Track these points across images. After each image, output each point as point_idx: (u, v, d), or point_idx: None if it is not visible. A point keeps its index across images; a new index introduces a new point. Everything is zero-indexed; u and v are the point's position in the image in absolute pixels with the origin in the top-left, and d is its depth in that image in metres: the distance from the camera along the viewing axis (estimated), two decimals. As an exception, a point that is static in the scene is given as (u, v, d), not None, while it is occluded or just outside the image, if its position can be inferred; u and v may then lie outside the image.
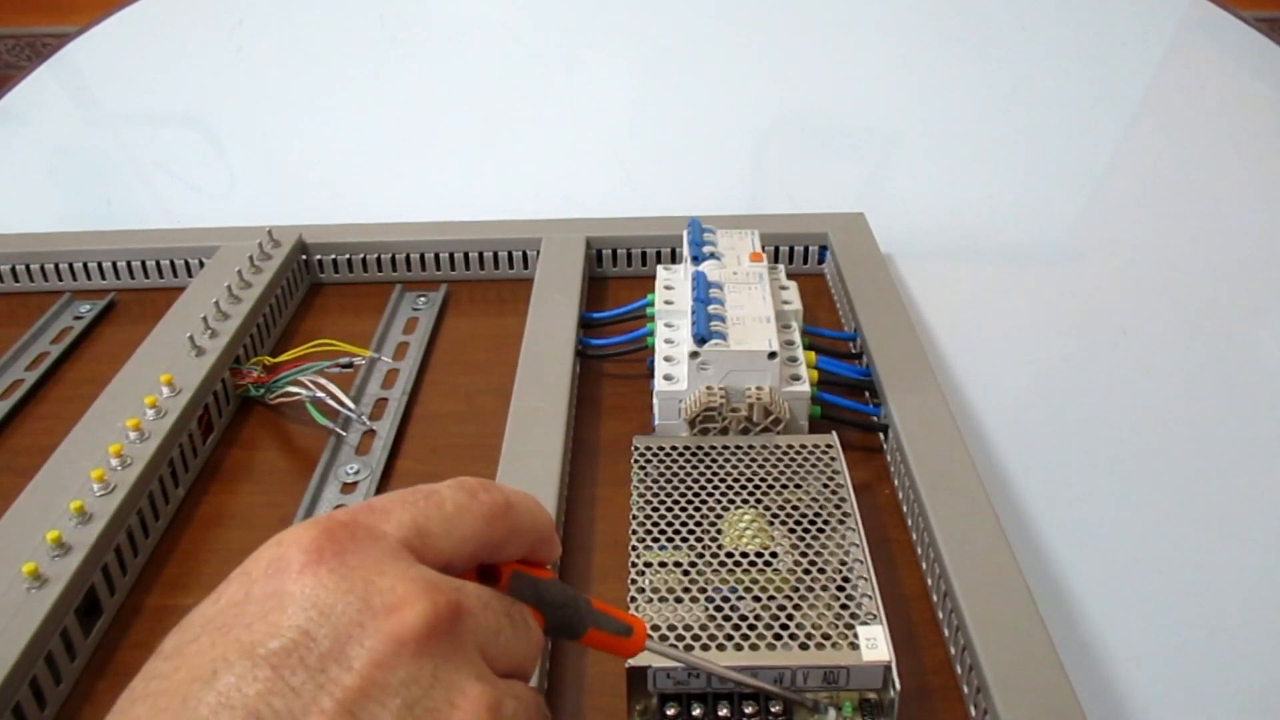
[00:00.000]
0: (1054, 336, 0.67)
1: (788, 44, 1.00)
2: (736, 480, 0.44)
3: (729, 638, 0.36)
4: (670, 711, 0.35)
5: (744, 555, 0.39)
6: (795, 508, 0.42)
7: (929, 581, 0.44)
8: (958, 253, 0.77)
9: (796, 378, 0.49)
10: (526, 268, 0.68)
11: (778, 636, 0.36)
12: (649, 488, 0.43)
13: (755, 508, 0.42)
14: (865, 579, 0.38)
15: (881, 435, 0.52)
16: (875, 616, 0.36)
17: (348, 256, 0.68)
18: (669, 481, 0.44)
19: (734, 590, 0.38)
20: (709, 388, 0.48)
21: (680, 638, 0.36)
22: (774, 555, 0.39)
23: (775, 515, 0.42)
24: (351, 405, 0.54)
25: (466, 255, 0.68)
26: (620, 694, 0.35)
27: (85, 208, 0.88)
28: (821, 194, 0.81)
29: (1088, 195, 0.84)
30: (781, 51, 0.99)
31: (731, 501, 0.42)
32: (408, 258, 0.68)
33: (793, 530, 0.41)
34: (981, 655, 0.37)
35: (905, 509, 0.48)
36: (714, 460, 0.45)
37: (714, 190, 0.85)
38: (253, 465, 0.53)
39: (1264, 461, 0.56)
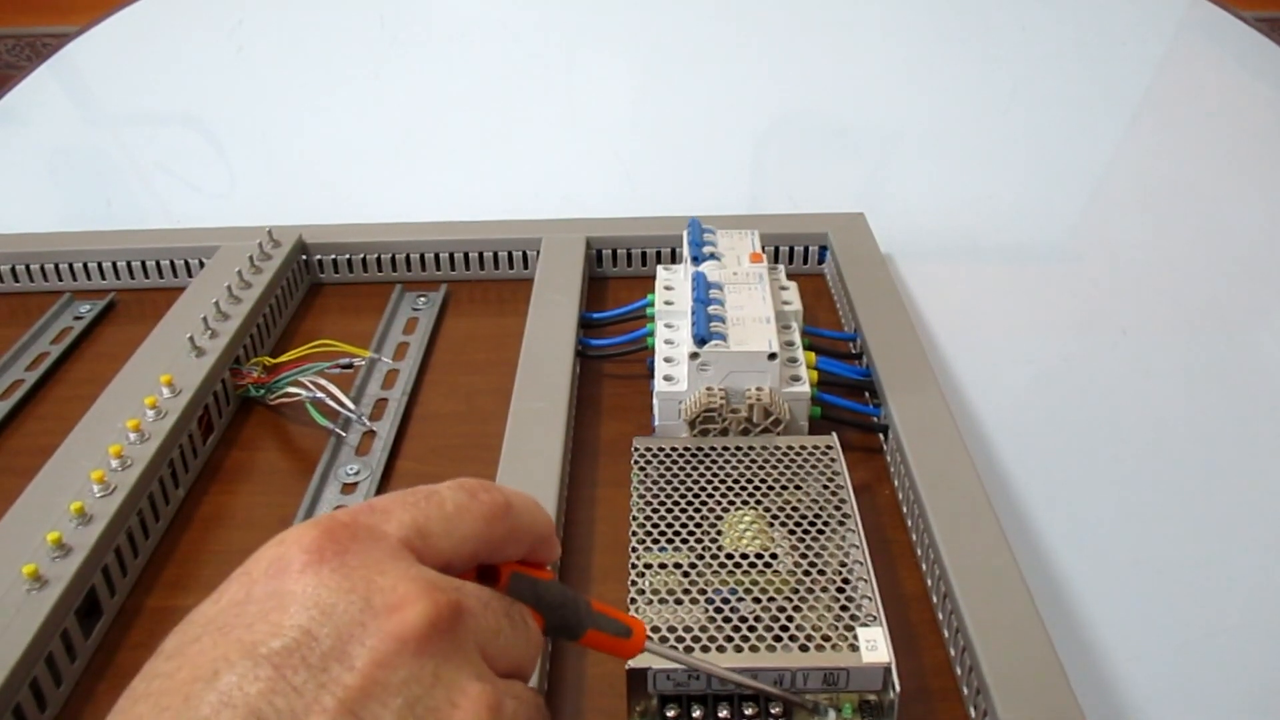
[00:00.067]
0: (1054, 336, 0.67)
1: (788, 44, 1.00)
2: (736, 481, 0.44)
3: (729, 639, 0.36)
4: (670, 713, 0.35)
5: (744, 556, 0.39)
6: (795, 509, 0.42)
7: (929, 583, 0.44)
8: (957, 253, 0.77)
9: (796, 378, 0.49)
10: (526, 268, 0.68)
11: (778, 638, 0.36)
12: (649, 488, 0.43)
13: (755, 509, 0.42)
14: (865, 580, 0.38)
15: (881, 436, 0.52)
16: (875, 618, 0.36)
17: (348, 256, 0.68)
18: (669, 482, 0.44)
19: (734, 591, 0.38)
20: (709, 388, 0.48)
21: (680, 639, 0.36)
22: (774, 556, 0.39)
23: (775, 516, 0.42)
24: (351, 406, 0.54)
25: (466, 255, 0.68)
26: (620, 695, 0.35)
27: (85, 208, 0.88)
28: (821, 194, 0.81)
29: (1087, 195, 0.84)
30: (781, 51, 0.99)
31: (731, 503, 0.42)
32: (408, 258, 0.68)
33: (793, 531, 0.41)
34: (981, 656, 0.37)
35: (905, 510, 0.48)
36: (714, 461, 0.45)
37: (714, 190, 0.85)
38: (253, 466, 0.53)
39: (1264, 461, 0.56)
